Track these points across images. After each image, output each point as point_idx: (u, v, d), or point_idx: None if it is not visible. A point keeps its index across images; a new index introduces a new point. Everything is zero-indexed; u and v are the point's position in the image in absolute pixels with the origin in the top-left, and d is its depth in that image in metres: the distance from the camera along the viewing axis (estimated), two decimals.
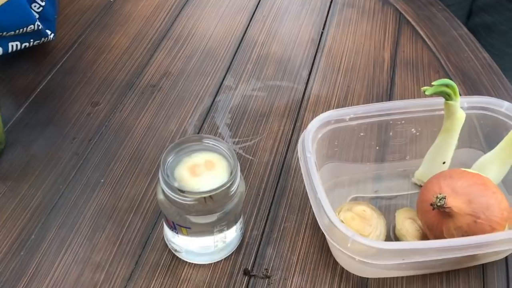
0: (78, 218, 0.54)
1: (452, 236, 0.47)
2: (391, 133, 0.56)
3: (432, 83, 0.50)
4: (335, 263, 0.52)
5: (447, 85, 0.51)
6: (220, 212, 0.45)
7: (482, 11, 0.94)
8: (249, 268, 0.51)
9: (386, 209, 0.56)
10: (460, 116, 0.53)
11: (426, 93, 0.50)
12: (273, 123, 0.65)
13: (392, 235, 0.53)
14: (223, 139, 0.63)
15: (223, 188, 0.44)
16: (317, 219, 0.46)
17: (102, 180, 0.58)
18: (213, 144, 0.47)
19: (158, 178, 0.45)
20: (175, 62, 0.72)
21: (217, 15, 0.81)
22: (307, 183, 0.48)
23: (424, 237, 0.51)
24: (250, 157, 0.61)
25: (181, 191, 0.43)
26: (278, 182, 0.59)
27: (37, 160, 0.59)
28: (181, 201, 0.44)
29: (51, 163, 0.59)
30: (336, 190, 0.57)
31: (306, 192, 0.57)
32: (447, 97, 0.51)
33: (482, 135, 0.59)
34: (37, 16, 0.65)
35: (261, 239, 0.53)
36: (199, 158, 0.46)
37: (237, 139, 0.63)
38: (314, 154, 0.50)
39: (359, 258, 0.43)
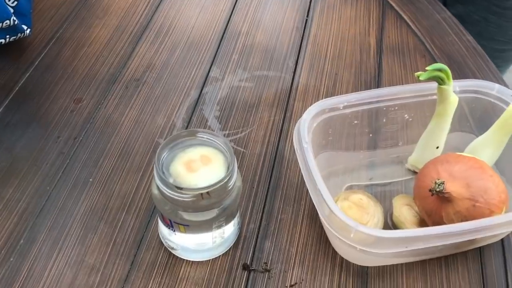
0: (68, 219, 0.52)
1: (451, 221, 0.47)
2: (384, 120, 0.56)
3: (426, 68, 0.49)
4: (335, 252, 0.51)
5: (440, 70, 0.50)
6: (219, 207, 0.44)
7: (457, 3, 0.94)
8: (248, 263, 0.50)
9: (382, 196, 0.56)
10: (453, 100, 0.53)
11: (421, 78, 0.49)
12: (263, 113, 0.64)
13: (389, 222, 0.53)
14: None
15: (221, 183, 0.42)
16: (318, 210, 0.46)
17: (90, 179, 0.56)
18: (207, 138, 0.46)
19: (153, 174, 0.44)
20: (158, 55, 0.70)
21: (199, 4, 0.79)
22: (305, 174, 0.48)
23: (421, 222, 0.51)
24: (242, 149, 0.60)
25: (178, 188, 0.42)
26: (272, 174, 0.58)
27: (21, 161, 0.57)
28: (178, 198, 0.43)
29: (36, 163, 0.57)
30: (331, 179, 0.56)
31: (301, 182, 0.57)
32: (440, 81, 0.51)
33: (472, 118, 0.59)
34: (12, 11, 0.62)
35: (258, 232, 0.53)
36: (194, 153, 0.45)
37: (227, 132, 0.62)
38: (310, 144, 0.49)
39: (362, 247, 0.43)
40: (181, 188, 0.42)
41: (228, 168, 0.44)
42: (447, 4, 0.97)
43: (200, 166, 0.44)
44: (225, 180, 0.43)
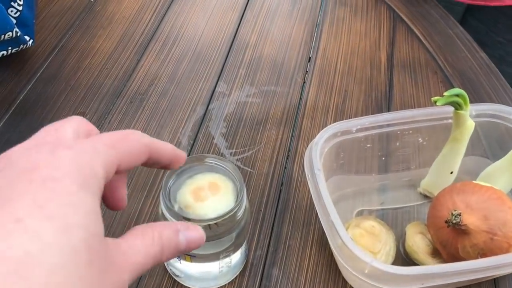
0: None
1: (467, 253, 0.45)
2: (398, 144, 0.54)
3: (444, 93, 0.48)
4: (344, 281, 0.50)
5: (457, 95, 0.49)
6: (228, 237, 0.43)
7: (475, 20, 0.90)
8: None
9: (393, 220, 0.54)
10: (470, 126, 0.51)
11: (438, 104, 0.47)
12: (270, 131, 0.63)
13: (401, 250, 0.51)
14: (219, 150, 0.60)
15: (230, 214, 0.41)
16: (329, 241, 0.44)
17: None
18: (216, 164, 0.44)
19: (159, 200, 0.42)
20: (164, 67, 0.69)
21: (206, 15, 0.77)
22: (316, 202, 0.46)
23: (435, 251, 0.50)
24: (249, 169, 0.58)
25: (186, 219, 0.40)
26: (279, 196, 0.56)
27: None
28: None
29: None
30: (342, 203, 0.54)
31: (310, 205, 0.55)
32: (458, 106, 0.49)
33: (487, 142, 0.57)
34: (14, 21, 0.60)
35: (265, 259, 0.51)
36: (202, 180, 0.43)
37: (234, 150, 0.60)
38: (322, 170, 0.47)
39: (376, 283, 0.41)
40: (189, 219, 0.40)
41: (237, 197, 0.42)
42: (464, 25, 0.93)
43: (208, 195, 0.42)
44: (234, 211, 0.41)
